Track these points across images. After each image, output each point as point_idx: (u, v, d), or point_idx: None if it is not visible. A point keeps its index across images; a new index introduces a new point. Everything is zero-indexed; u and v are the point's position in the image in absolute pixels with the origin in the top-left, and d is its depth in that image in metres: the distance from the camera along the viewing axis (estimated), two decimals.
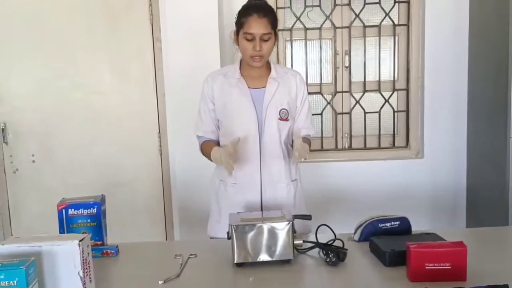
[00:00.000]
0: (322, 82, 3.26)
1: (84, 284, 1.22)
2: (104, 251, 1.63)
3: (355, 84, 3.26)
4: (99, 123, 3.12)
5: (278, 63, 3.11)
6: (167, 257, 1.60)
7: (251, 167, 1.95)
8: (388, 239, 1.56)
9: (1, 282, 1.06)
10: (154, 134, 3.16)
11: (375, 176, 3.20)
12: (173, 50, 2.94)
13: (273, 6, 2.03)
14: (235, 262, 1.48)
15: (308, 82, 3.21)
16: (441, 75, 3.13)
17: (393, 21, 3.20)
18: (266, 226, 1.48)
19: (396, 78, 3.28)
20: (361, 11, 3.17)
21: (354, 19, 3.19)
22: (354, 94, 3.27)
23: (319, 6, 3.18)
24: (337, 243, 1.56)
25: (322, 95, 3.27)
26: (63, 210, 1.61)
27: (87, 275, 1.24)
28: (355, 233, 1.70)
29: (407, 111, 3.29)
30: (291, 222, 1.49)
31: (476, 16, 3.00)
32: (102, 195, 1.69)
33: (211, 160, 1.94)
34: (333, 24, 3.20)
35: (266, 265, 1.48)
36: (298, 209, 2.00)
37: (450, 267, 1.30)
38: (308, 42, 3.23)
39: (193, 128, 2.08)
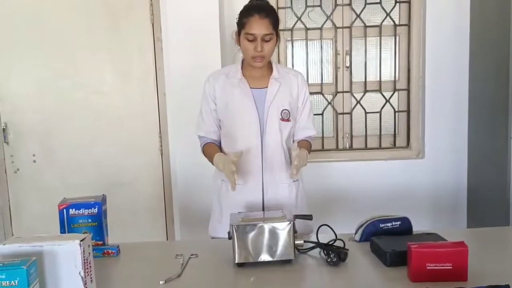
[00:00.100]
0: (323, 82, 3.26)
1: (85, 284, 1.22)
2: (105, 251, 1.63)
3: (356, 84, 3.26)
4: (100, 123, 3.12)
5: (279, 63, 3.11)
6: (168, 257, 1.60)
7: (252, 168, 1.95)
8: (389, 239, 1.56)
9: (3, 282, 1.06)
10: (155, 134, 3.16)
11: (376, 176, 3.19)
12: (174, 50, 2.94)
13: (274, 6, 2.03)
14: (236, 262, 1.48)
15: (309, 82, 3.21)
16: (442, 75, 3.13)
17: (394, 21, 3.20)
18: (267, 226, 1.48)
19: (397, 78, 3.28)
20: (362, 11, 3.17)
21: (355, 19, 3.18)
22: (355, 94, 3.27)
23: (320, 6, 3.18)
24: (338, 243, 1.56)
25: (323, 95, 3.27)
26: (64, 210, 1.61)
27: (88, 275, 1.24)
28: (356, 233, 1.70)
29: (408, 111, 3.29)
30: (292, 222, 1.49)
31: (477, 16, 3.00)
32: (103, 195, 1.69)
33: (212, 163, 1.94)
34: (334, 24, 3.20)
35: (267, 265, 1.48)
36: (300, 210, 2.00)
37: (451, 267, 1.30)
38: (309, 42, 3.23)
39: (194, 128, 2.08)
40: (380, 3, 3.17)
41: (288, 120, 1.97)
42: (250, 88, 1.96)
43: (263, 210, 1.97)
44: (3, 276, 1.07)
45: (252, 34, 1.85)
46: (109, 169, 3.13)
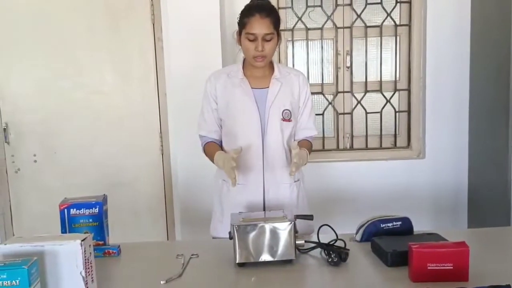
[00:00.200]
0: (324, 82, 3.26)
1: (86, 283, 1.22)
2: (106, 251, 1.63)
3: (357, 84, 3.26)
4: (101, 123, 3.12)
5: (280, 63, 3.10)
6: (169, 257, 1.60)
7: (253, 168, 1.95)
8: (390, 239, 1.56)
9: (4, 281, 1.07)
10: (156, 134, 3.16)
11: (376, 176, 3.19)
12: (174, 50, 2.94)
13: (275, 6, 2.02)
14: (237, 262, 1.48)
15: (310, 82, 3.19)
16: (443, 75, 3.13)
17: (394, 21, 3.20)
18: (268, 226, 1.48)
19: (397, 78, 3.28)
20: (362, 11, 3.17)
21: (356, 19, 3.18)
22: (355, 94, 3.27)
23: (321, 6, 3.18)
24: (339, 243, 1.56)
25: (323, 95, 3.27)
26: (65, 210, 1.61)
27: (89, 274, 1.24)
28: (357, 233, 1.70)
29: (409, 111, 3.29)
30: (293, 222, 1.49)
31: (477, 16, 2.99)
32: (104, 195, 1.69)
33: (213, 162, 1.94)
34: (334, 24, 3.20)
35: (268, 265, 1.48)
36: (301, 210, 1.99)
37: (452, 268, 1.30)
38: (309, 42, 3.23)
39: (196, 127, 2.07)
40: (380, 3, 3.17)
41: (289, 120, 1.97)
42: (252, 88, 1.96)
43: (264, 210, 1.97)
44: (4, 276, 1.07)
45: (253, 34, 1.85)
46: (110, 169, 3.13)
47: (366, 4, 3.16)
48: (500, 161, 2.72)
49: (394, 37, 3.22)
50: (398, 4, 3.18)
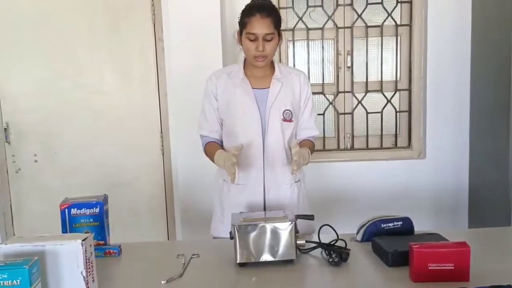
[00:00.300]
0: (324, 82, 3.26)
1: (87, 283, 1.22)
2: (107, 251, 1.63)
3: (357, 84, 3.26)
4: (101, 123, 3.12)
5: (280, 62, 3.10)
6: (169, 257, 1.60)
7: (254, 168, 1.95)
8: (390, 239, 1.56)
9: (5, 281, 1.07)
10: (156, 134, 3.16)
11: (377, 176, 3.19)
12: (175, 50, 2.94)
13: (276, 6, 2.02)
14: (237, 262, 1.48)
15: (310, 82, 3.20)
16: (444, 75, 3.13)
17: (395, 21, 3.19)
18: (268, 226, 1.48)
19: (398, 78, 3.27)
20: (363, 11, 3.17)
21: (356, 19, 3.18)
22: (356, 94, 3.27)
23: (321, 6, 3.18)
24: (340, 243, 1.56)
25: (324, 95, 3.27)
26: (66, 210, 1.61)
27: (90, 274, 1.24)
28: (357, 233, 1.70)
29: (409, 111, 3.29)
30: (293, 222, 1.49)
31: (478, 16, 2.99)
32: (105, 194, 1.69)
33: (213, 162, 1.94)
34: (335, 24, 3.20)
35: (269, 265, 1.48)
36: (301, 210, 1.99)
37: (453, 268, 1.30)
38: (310, 42, 3.23)
39: (196, 127, 2.07)
40: (381, 3, 3.17)
41: (290, 120, 1.97)
42: (252, 88, 1.96)
43: (264, 210, 1.96)
44: (5, 276, 1.07)
45: (254, 34, 1.85)
46: (110, 169, 3.13)
47: (367, 4, 3.16)
48: (500, 161, 2.72)
49: (394, 37, 3.22)
50: (399, 4, 3.18)
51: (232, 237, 1.49)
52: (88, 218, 1.62)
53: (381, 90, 3.27)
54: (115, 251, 1.64)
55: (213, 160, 1.94)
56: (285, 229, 1.48)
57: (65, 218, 1.60)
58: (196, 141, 2.10)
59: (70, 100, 3.10)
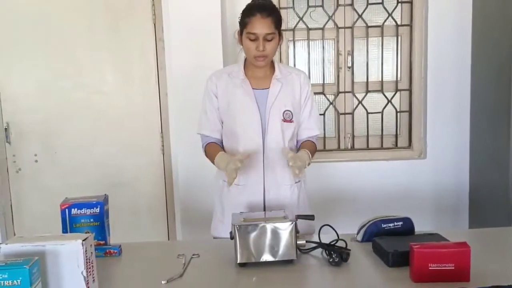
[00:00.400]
0: (325, 82, 3.26)
1: (87, 283, 1.22)
2: (107, 251, 1.63)
3: (358, 85, 3.26)
4: (102, 123, 3.13)
5: (281, 62, 3.10)
6: (170, 257, 1.60)
7: (254, 168, 1.94)
8: (391, 239, 1.56)
9: (5, 281, 1.07)
10: (157, 134, 3.16)
11: (377, 177, 3.19)
12: (175, 50, 2.94)
13: (276, 6, 2.02)
14: (238, 262, 1.48)
15: (311, 83, 3.19)
16: (444, 75, 3.13)
17: (396, 22, 3.19)
18: (269, 226, 1.48)
19: (398, 79, 3.27)
20: (364, 11, 3.17)
21: (357, 19, 3.18)
22: (356, 95, 3.27)
23: (322, 6, 3.18)
24: (340, 244, 1.56)
25: (324, 95, 3.27)
26: (66, 210, 1.61)
27: (90, 274, 1.24)
28: (358, 233, 1.70)
29: (410, 112, 3.29)
30: (294, 222, 1.49)
31: (479, 16, 2.99)
32: (105, 194, 1.69)
33: (213, 163, 1.93)
34: (335, 24, 3.20)
35: (269, 265, 1.48)
36: (302, 210, 1.99)
37: (453, 268, 1.30)
38: (310, 42, 3.22)
39: (197, 127, 2.05)
40: (382, 3, 3.17)
41: (290, 121, 1.96)
42: (253, 88, 1.96)
43: (264, 210, 1.96)
44: (6, 276, 1.07)
45: (254, 34, 1.85)
46: (111, 169, 3.14)
47: (367, 4, 3.16)
48: (501, 161, 2.72)
49: (395, 37, 3.22)
50: (399, 4, 3.18)
51: (232, 237, 1.49)
52: (88, 218, 1.62)
53: (381, 90, 3.27)
54: (115, 251, 1.64)
55: (213, 161, 1.93)
56: (285, 229, 1.48)
57: (66, 218, 1.61)
58: (196, 141, 2.10)
59: (70, 100, 3.10)
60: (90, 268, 1.24)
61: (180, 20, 2.91)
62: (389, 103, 3.28)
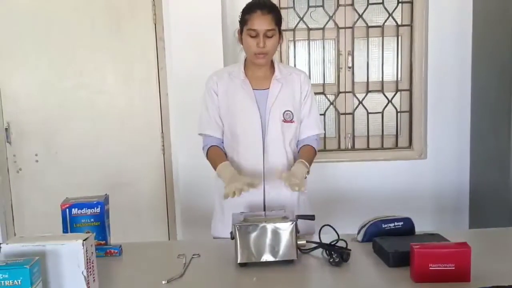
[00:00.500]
0: (325, 82, 3.26)
1: (87, 283, 1.22)
2: (108, 251, 1.63)
3: (358, 85, 3.26)
4: (102, 123, 3.13)
5: (281, 62, 3.10)
6: (170, 257, 1.61)
7: (254, 169, 1.94)
8: (391, 239, 1.56)
9: (6, 281, 1.07)
10: (157, 134, 3.16)
11: (378, 177, 3.19)
12: (176, 50, 2.94)
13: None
14: (238, 262, 1.48)
15: (311, 83, 3.19)
16: (445, 75, 3.13)
17: (396, 22, 3.19)
18: (269, 226, 1.48)
19: (399, 79, 3.27)
20: (364, 11, 3.17)
21: (357, 19, 3.18)
22: (357, 95, 3.27)
23: (322, 6, 3.18)
24: (341, 244, 1.56)
25: (325, 95, 3.27)
26: (67, 210, 1.61)
27: (90, 274, 1.25)
28: (358, 233, 1.70)
29: (410, 112, 3.29)
30: (294, 223, 1.49)
31: (479, 16, 2.99)
32: (106, 194, 1.69)
33: (214, 168, 1.91)
34: (336, 24, 3.20)
35: (270, 265, 1.48)
36: (302, 210, 1.98)
37: (454, 268, 1.30)
38: (311, 42, 3.22)
39: (197, 128, 2.03)
40: (382, 3, 3.17)
41: (291, 121, 1.95)
42: (253, 89, 1.95)
43: (264, 210, 1.96)
44: (6, 276, 1.07)
45: (255, 30, 1.84)
46: (111, 169, 3.14)
47: (368, 4, 3.16)
48: (502, 161, 2.72)
49: (395, 37, 3.22)
50: (400, 4, 3.18)
51: (233, 237, 1.49)
52: (89, 218, 1.62)
53: (382, 91, 3.27)
54: (116, 251, 1.64)
55: (214, 166, 1.91)
56: (285, 229, 1.48)
57: (66, 218, 1.61)
58: (197, 141, 2.09)
59: (71, 100, 3.10)
60: (90, 268, 1.24)
61: (181, 20, 2.91)
62: (390, 103, 3.28)
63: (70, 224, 1.61)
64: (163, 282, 1.39)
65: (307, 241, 1.54)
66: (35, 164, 3.16)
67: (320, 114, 3.21)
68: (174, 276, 1.42)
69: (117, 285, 1.42)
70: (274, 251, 1.48)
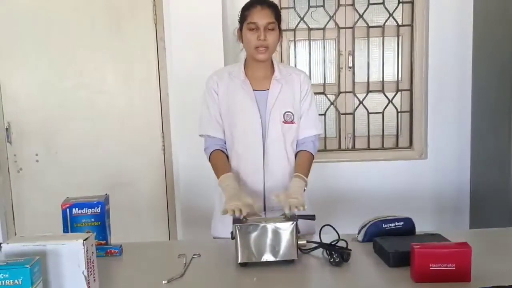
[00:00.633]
0: (326, 82, 3.26)
1: (88, 283, 1.22)
2: (108, 251, 1.63)
3: (359, 85, 3.26)
4: (103, 123, 3.13)
5: (281, 62, 3.10)
6: (170, 257, 1.61)
7: (254, 170, 1.93)
8: (392, 239, 1.56)
9: (6, 281, 1.07)
10: (158, 133, 3.16)
11: (378, 177, 3.19)
12: (176, 50, 2.94)
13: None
14: (239, 262, 1.48)
15: (312, 83, 3.19)
16: (445, 75, 3.13)
17: (396, 22, 3.19)
18: (270, 226, 1.48)
19: (399, 79, 3.27)
20: (365, 11, 3.17)
21: (358, 19, 3.18)
22: (357, 95, 3.27)
23: (323, 6, 3.18)
24: (341, 244, 1.56)
25: (325, 95, 3.27)
26: (67, 210, 1.61)
27: (91, 274, 1.25)
28: (358, 233, 1.70)
29: (411, 112, 3.29)
30: (295, 223, 1.49)
31: (480, 16, 2.99)
32: (106, 194, 1.70)
33: (216, 174, 1.90)
34: (336, 24, 3.20)
35: (270, 265, 1.48)
36: (302, 211, 1.98)
37: (454, 268, 1.30)
38: (311, 42, 3.22)
39: (198, 129, 2.01)
40: (383, 3, 3.17)
41: (291, 122, 1.93)
42: (253, 90, 1.94)
43: (265, 210, 1.95)
44: (7, 275, 1.07)
45: (255, 23, 1.83)
46: (112, 169, 3.14)
47: (368, 4, 3.16)
48: (502, 161, 2.71)
49: (396, 37, 3.22)
50: (401, 4, 3.18)
51: (233, 237, 1.49)
52: (89, 218, 1.62)
53: (382, 91, 3.27)
54: (116, 251, 1.64)
55: (216, 173, 1.89)
56: (286, 229, 1.48)
57: (67, 218, 1.61)
58: (197, 141, 2.08)
59: (71, 100, 3.10)
60: (91, 268, 1.24)
61: (181, 20, 2.91)
62: (390, 103, 3.28)
63: (70, 224, 1.61)
64: (164, 282, 1.39)
65: (307, 241, 1.54)
66: (35, 164, 3.16)
67: (321, 114, 3.22)
68: (174, 276, 1.42)
69: (118, 285, 1.42)
70: (274, 251, 1.48)
